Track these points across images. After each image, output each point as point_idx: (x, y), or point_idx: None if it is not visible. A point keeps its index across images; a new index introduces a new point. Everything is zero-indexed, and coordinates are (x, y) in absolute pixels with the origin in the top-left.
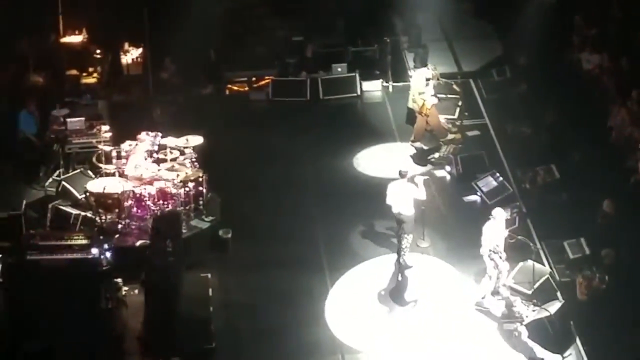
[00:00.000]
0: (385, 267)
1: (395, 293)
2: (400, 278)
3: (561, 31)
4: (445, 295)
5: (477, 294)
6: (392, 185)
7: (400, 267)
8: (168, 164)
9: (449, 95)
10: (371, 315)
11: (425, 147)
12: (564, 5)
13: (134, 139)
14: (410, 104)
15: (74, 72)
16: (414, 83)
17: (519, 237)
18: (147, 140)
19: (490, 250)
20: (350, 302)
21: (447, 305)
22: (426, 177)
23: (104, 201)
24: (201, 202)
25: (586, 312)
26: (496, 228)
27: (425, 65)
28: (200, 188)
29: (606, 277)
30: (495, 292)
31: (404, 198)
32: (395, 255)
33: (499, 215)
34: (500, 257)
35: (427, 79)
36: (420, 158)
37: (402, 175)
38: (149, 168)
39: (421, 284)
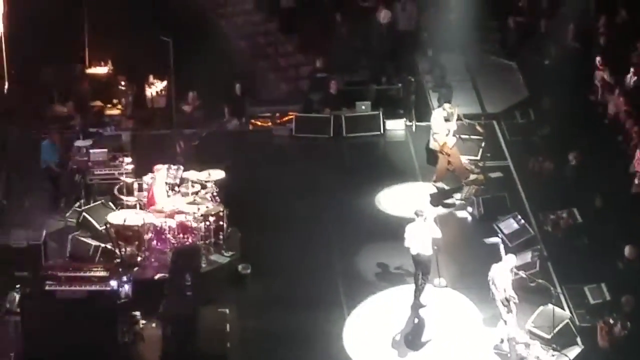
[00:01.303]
0: (401, 300)
1: (411, 336)
2: (416, 320)
3: (586, 75)
4: (464, 336)
5: (495, 337)
6: (409, 227)
7: (417, 308)
8: (189, 198)
9: (472, 136)
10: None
11: (446, 188)
12: (589, 49)
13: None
14: (432, 144)
15: (98, 103)
16: (432, 123)
17: (540, 280)
18: (162, 170)
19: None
20: (367, 340)
21: (465, 347)
22: (435, 215)
23: (124, 233)
24: (221, 237)
25: (606, 359)
26: (503, 272)
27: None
28: (221, 223)
29: (628, 323)
30: (511, 338)
31: (422, 239)
32: (409, 295)
33: (508, 261)
34: (514, 302)
35: (446, 119)
36: (441, 199)
37: (418, 215)
38: (171, 200)
39: (439, 323)
